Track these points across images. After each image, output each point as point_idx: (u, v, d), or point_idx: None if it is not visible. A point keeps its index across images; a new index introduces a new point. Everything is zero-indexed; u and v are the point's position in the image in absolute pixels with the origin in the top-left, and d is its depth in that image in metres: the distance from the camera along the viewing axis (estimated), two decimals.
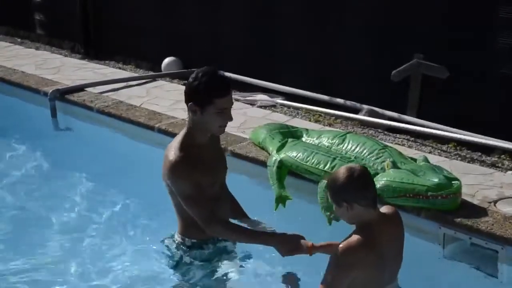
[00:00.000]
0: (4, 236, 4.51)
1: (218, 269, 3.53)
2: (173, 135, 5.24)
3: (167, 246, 3.54)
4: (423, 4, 5.48)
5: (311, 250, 3.34)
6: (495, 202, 4.07)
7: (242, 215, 3.72)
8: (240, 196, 4.66)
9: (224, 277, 3.54)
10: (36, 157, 5.79)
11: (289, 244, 3.37)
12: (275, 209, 4.40)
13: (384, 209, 3.17)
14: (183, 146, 3.31)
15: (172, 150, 3.32)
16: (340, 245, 3.01)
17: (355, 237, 3.01)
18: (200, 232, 3.39)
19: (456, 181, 3.99)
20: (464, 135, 5.18)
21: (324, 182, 4.18)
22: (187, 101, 3.31)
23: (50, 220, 4.75)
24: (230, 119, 3.35)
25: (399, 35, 5.66)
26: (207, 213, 3.30)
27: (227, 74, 6.83)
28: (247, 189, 4.76)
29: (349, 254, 2.98)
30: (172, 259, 3.51)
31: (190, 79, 3.30)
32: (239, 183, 4.81)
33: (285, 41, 6.48)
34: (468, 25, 5.23)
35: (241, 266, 3.64)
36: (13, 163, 5.72)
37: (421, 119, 5.53)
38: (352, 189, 3.01)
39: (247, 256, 3.70)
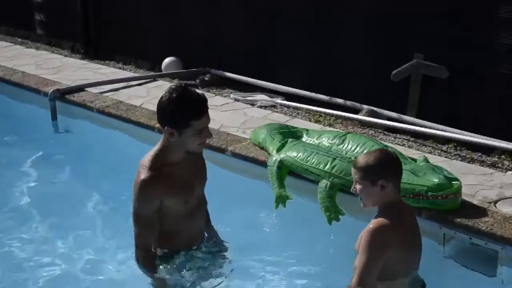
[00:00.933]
0: (4, 235, 4.50)
1: (190, 276, 3.52)
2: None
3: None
4: (423, 4, 5.47)
5: None
6: (495, 202, 4.08)
7: (207, 225, 3.72)
8: (240, 195, 4.68)
9: (197, 283, 3.54)
10: (36, 157, 5.79)
11: None
12: (275, 209, 4.40)
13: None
14: (154, 165, 3.21)
15: (142, 168, 3.23)
16: (370, 226, 3.07)
17: (383, 218, 3.09)
18: (171, 242, 3.41)
19: (456, 181, 3.99)
20: (464, 135, 5.18)
21: (324, 182, 4.19)
22: (161, 124, 3.18)
23: (50, 220, 4.75)
24: (210, 136, 3.26)
25: (399, 35, 5.66)
26: (142, 240, 3.31)
27: (227, 74, 6.86)
28: (247, 189, 4.76)
29: (382, 232, 3.05)
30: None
31: (164, 101, 3.13)
32: (239, 183, 4.83)
33: (285, 41, 6.48)
34: (468, 25, 5.23)
35: (215, 271, 3.65)
36: (13, 163, 5.72)
37: (421, 119, 5.53)
38: (392, 168, 3.15)
39: (222, 261, 3.71)
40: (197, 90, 3.25)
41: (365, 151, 4.36)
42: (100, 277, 3.99)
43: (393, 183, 3.14)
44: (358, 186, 3.17)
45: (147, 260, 3.38)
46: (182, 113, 3.11)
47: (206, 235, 3.69)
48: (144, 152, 5.00)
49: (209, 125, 5.29)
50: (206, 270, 3.57)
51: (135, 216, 3.30)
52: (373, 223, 3.09)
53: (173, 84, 3.29)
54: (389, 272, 3.13)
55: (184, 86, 3.19)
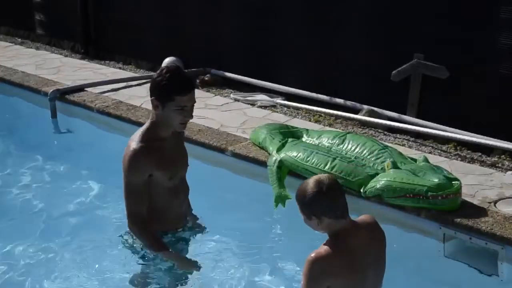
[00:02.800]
0: (4, 235, 4.50)
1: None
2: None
3: (126, 240, 3.61)
4: (423, 4, 5.48)
5: None
6: (495, 202, 4.08)
7: (189, 211, 3.83)
8: (240, 195, 4.69)
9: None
10: (36, 157, 5.79)
11: (185, 265, 3.53)
12: (275, 208, 4.40)
13: (361, 217, 3.08)
14: (144, 139, 3.40)
15: (133, 141, 3.41)
16: (310, 255, 2.93)
17: (324, 246, 2.94)
18: (159, 222, 3.50)
19: (456, 181, 3.99)
20: (464, 135, 5.18)
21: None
22: (150, 96, 3.38)
23: (50, 220, 4.75)
24: (190, 117, 3.41)
25: (399, 35, 5.66)
26: (135, 211, 3.41)
27: (227, 74, 6.86)
28: (247, 189, 4.77)
29: (319, 262, 2.90)
30: (135, 251, 3.58)
31: (155, 75, 3.39)
32: (239, 183, 4.84)
33: (285, 41, 6.48)
34: (468, 25, 5.23)
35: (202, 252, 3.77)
36: (13, 163, 5.72)
37: (421, 119, 5.53)
38: (320, 204, 2.93)
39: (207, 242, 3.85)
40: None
41: (365, 151, 4.37)
42: (105, 277, 3.99)
43: (327, 217, 2.93)
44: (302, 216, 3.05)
45: (143, 230, 3.46)
46: (167, 86, 3.31)
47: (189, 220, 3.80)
48: None
49: (209, 125, 5.33)
50: (193, 251, 3.69)
51: (125, 187, 3.42)
52: (314, 252, 2.94)
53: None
54: None
55: (177, 66, 3.43)
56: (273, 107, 6.17)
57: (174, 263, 3.51)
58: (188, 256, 3.61)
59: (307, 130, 4.94)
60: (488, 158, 5.05)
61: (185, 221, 3.73)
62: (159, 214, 3.51)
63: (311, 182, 2.99)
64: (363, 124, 5.73)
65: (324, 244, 2.97)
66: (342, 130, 5.45)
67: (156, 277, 3.57)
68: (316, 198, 2.93)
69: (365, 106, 5.85)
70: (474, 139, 5.10)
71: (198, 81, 6.93)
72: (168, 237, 3.58)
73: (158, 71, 3.39)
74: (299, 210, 3.02)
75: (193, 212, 3.83)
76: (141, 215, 3.44)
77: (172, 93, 3.30)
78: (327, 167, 4.24)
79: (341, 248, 2.95)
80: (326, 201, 2.94)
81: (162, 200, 3.50)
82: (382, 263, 3.07)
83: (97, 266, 4.06)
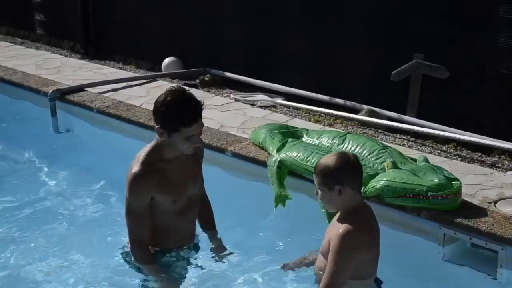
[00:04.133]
0: (3, 234, 4.50)
1: (179, 275, 3.56)
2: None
3: (125, 258, 3.59)
4: (423, 4, 5.48)
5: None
6: (495, 202, 4.07)
7: (211, 228, 3.80)
8: (240, 195, 4.68)
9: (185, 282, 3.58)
10: (36, 157, 5.79)
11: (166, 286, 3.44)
12: (275, 209, 4.40)
13: None
14: (148, 160, 3.29)
15: (136, 163, 3.31)
16: (340, 231, 3.08)
17: (351, 222, 3.11)
18: (160, 241, 3.46)
19: (456, 181, 3.99)
20: (464, 135, 5.18)
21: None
22: (155, 122, 3.27)
23: (50, 219, 4.75)
24: (198, 143, 3.33)
25: (399, 35, 5.66)
26: (135, 232, 3.37)
27: (227, 74, 6.86)
28: (247, 189, 4.77)
29: (352, 236, 3.07)
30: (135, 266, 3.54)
31: (159, 101, 3.21)
32: (239, 183, 4.84)
33: (285, 41, 6.48)
34: (468, 25, 5.23)
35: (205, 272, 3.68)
36: (13, 163, 5.72)
37: (421, 119, 5.53)
38: (348, 172, 3.11)
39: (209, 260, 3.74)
40: (196, 96, 3.29)
41: (365, 151, 4.37)
42: (105, 277, 3.99)
43: (351, 187, 3.13)
44: (318, 192, 3.19)
45: (143, 253, 3.42)
46: (172, 118, 3.17)
47: (209, 239, 3.75)
48: None
49: (209, 125, 5.32)
50: (196, 270, 3.63)
51: (126, 208, 3.37)
52: (342, 228, 3.10)
53: (174, 86, 3.32)
54: (360, 273, 3.18)
55: (182, 91, 3.25)
56: (273, 107, 6.17)
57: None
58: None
59: (307, 130, 4.93)
60: (488, 158, 5.05)
61: (192, 239, 3.65)
62: (162, 233, 3.44)
63: (335, 154, 3.20)
64: (363, 124, 5.73)
65: (348, 220, 3.14)
66: (342, 130, 5.45)
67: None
68: (343, 166, 3.10)
69: (365, 106, 5.85)
70: (474, 139, 5.10)
71: (198, 81, 6.93)
72: (172, 256, 3.53)
73: (161, 97, 3.20)
74: (319, 183, 3.14)
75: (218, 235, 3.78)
76: (142, 237, 3.38)
77: (178, 125, 3.17)
78: None
79: (365, 222, 3.17)
80: (352, 170, 3.14)
81: (165, 221, 3.42)
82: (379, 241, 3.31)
83: (95, 267, 4.05)
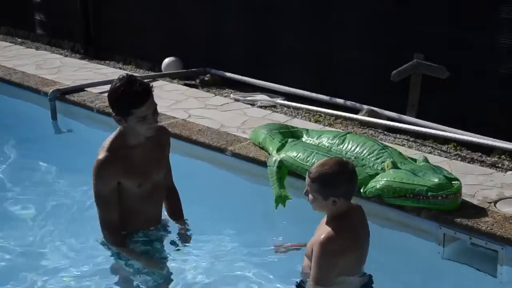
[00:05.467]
0: (3, 235, 4.50)
1: (154, 256, 3.67)
2: (172, 135, 5.25)
3: (103, 242, 3.68)
4: (423, 4, 5.48)
5: None
6: (495, 202, 4.07)
7: (178, 217, 3.89)
8: (240, 195, 4.68)
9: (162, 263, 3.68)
10: (36, 157, 5.79)
11: (152, 265, 3.60)
12: (275, 209, 4.40)
13: None
14: (112, 147, 3.45)
15: (101, 150, 3.48)
16: (321, 237, 3.07)
17: (333, 226, 3.10)
18: (128, 224, 3.57)
19: (456, 181, 3.99)
20: (464, 135, 5.18)
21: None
22: (112, 111, 3.44)
23: (50, 219, 4.75)
24: (155, 122, 3.44)
25: (399, 35, 5.67)
26: (106, 218, 3.51)
27: (227, 74, 6.86)
28: (247, 189, 4.76)
29: (334, 242, 3.06)
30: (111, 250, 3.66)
31: (109, 90, 3.43)
32: (239, 183, 4.83)
33: (285, 41, 6.48)
34: (468, 25, 5.23)
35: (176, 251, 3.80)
36: (13, 163, 5.72)
37: (421, 119, 5.53)
38: (345, 185, 3.09)
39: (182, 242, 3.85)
40: (144, 80, 3.50)
41: (365, 151, 4.37)
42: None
43: (345, 198, 3.13)
44: (310, 196, 3.17)
45: (114, 236, 3.55)
46: (123, 102, 3.36)
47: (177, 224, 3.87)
48: None
49: (209, 125, 5.32)
50: (167, 248, 3.75)
51: (94, 195, 3.52)
52: (324, 234, 3.09)
53: (121, 74, 3.53)
54: (343, 274, 3.17)
55: (127, 77, 3.43)
56: (273, 107, 6.17)
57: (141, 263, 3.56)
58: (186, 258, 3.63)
59: (307, 130, 4.93)
60: (488, 158, 5.05)
61: (158, 222, 3.78)
62: (128, 216, 3.56)
63: (333, 164, 3.12)
64: (363, 124, 5.73)
65: (332, 225, 3.12)
66: (342, 130, 5.44)
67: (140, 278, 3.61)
68: (343, 178, 3.08)
69: (365, 106, 5.85)
70: (474, 139, 5.10)
71: (198, 81, 6.93)
72: (139, 236, 3.65)
73: (112, 85, 3.41)
74: (315, 190, 3.12)
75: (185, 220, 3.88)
76: (112, 222, 3.51)
77: (129, 107, 3.34)
78: None
79: (348, 227, 3.14)
80: (350, 183, 3.12)
81: (131, 204, 3.55)
82: (368, 239, 3.30)
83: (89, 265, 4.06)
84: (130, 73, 3.52)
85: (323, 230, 3.13)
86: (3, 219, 4.74)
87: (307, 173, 3.19)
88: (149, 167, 3.56)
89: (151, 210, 3.68)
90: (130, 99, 3.33)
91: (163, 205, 3.85)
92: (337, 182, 3.06)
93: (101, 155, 3.45)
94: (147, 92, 3.38)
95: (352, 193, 3.18)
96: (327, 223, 3.17)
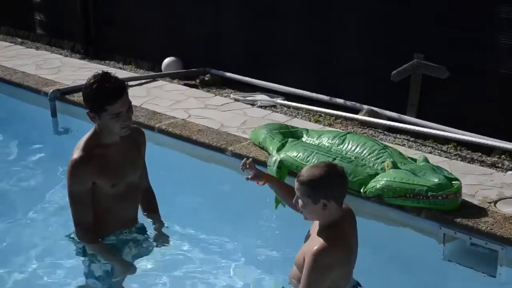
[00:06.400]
0: (3, 235, 4.50)
1: (125, 254, 3.64)
2: (173, 135, 5.26)
3: (72, 239, 3.67)
4: (423, 4, 5.48)
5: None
6: (495, 202, 4.08)
7: (153, 212, 3.87)
8: (240, 195, 4.68)
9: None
10: (36, 157, 5.79)
11: (125, 269, 3.56)
12: (275, 208, 4.40)
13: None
14: (86, 147, 3.44)
15: (76, 150, 3.46)
16: (314, 249, 2.98)
17: (326, 236, 3.02)
18: (102, 225, 3.54)
19: (456, 181, 3.99)
20: (464, 135, 5.18)
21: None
22: (86, 108, 3.43)
23: (50, 219, 4.75)
24: (129, 119, 3.44)
25: (399, 35, 5.67)
26: (80, 219, 3.48)
27: (227, 74, 6.86)
28: (247, 189, 4.76)
29: (325, 256, 2.98)
30: (79, 250, 3.64)
31: (84, 87, 3.39)
32: (239, 183, 4.83)
33: (285, 41, 6.48)
34: (468, 25, 5.23)
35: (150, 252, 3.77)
36: (13, 163, 5.72)
37: (421, 119, 5.53)
38: (334, 186, 3.02)
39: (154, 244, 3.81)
40: (118, 77, 3.44)
41: (365, 151, 4.37)
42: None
43: (336, 202, 3.03)
44: (299, 201, 3.07)
45: (88, 235, 3.52)
46: (97, 98, 3.35)
47: (152, 223, 3.84)
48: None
49: (209, 125, 5.32)
50: (138, 253, 3.71)
51: (68, 196, 3.50)
52: (316, 245, 3.00)
53: (97, 71, 3.51)
54: (334, 286, 3.09)
55: (102, 74, 3.40)
56: (273, 107, 6.17)
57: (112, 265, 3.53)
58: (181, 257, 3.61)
59: (307, 130, 4.94)
60: (488, 158, 5.05)
61: (133, 224, 3.74)
62: (102, 218, 3.53)
63: (322, 166, 3.06)
64: (363, 124, 5.73)
65: (324, 235, 3.04)
66: (342, 130, 5.45)
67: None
68: (333, 180, 3.01)
69: (365, 106, 5.85)
70: (474, 139, 5.10)
71: (198, 81, 6.93)
72: (111, 239, 3.62)
73: (86, 82, 3.38)
74: (304, 194, 3.03)
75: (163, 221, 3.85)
76: (87, 222, 3.49)
77: (103, 103, 3.33)
78: None
79: (340, 237, 3.06)
80: (339, 184, 3.04)
81: (105, 205, 3.52)
82: (357, 247, 3.24)
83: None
84: (102, 70, 3.51)
85: (315, 241, 3.04)
86: (3, 219, 4.74)
87: (295, 179, 3.10)
88: (124, 167, 3.55)
89: (125, 211, 3.65)
90: (103, 95, 3.32)
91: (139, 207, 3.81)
92: (326, 184, 2.99)
93: (76, 154, 3.43)
94: (121, 89, 3.38)
95: (343, 197, 3.09)
96: (319, 233, 3.08)
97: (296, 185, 3.08)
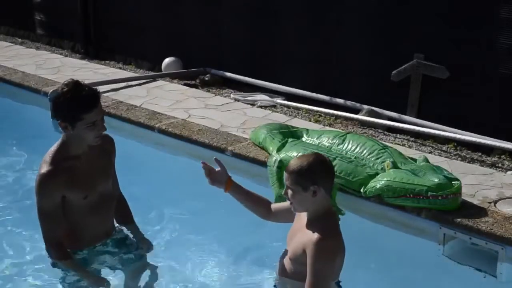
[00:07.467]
0: (3, 235, 4.50)
1: (97, 271, 3.55)
2: (173, 135, 5.27)
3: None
4: (423, 4, 5.48)
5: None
6: (495, 202, 4.08)
7: (129, 221, 3.76)
8: None
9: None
10: (36, 157, 5.77)
11: (97, 284, 3.42)
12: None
13: None
14: (54, 160, 3.33)
15: (43, 163, 3.34)
16: (317, 238, 2.99)
17: (324, 225, 3.05)
18: (74, 239, 3.45)
19: (456, 181, 3.99)
20: (464, 135, 5.18)
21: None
22: (56, 118, 3.32)
23: None
24: (103, 129, 3.35)
25: (399, 35, 5.67)
26: (49, 234, 3.37)
27: (228, 74, 6.86)
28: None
29: (331, 242, 3.02)
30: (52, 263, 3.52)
31: (56, 95, 3.30)
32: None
33: (285, 41, 6.48)
34: (468, 25, 5.23)
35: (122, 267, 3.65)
36: (13, 163, 5.72)
37: (421, 119, 5.53)
38: (323, 172, 3.07)
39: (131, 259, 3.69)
40: (91, 86, 3.40)
41: (365, 151, 4.37)
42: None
43: (324, 187, 3.05)
44: (289, 192, 3.09)
45: (58, 253, 3.41)
46: (72, 107, 3.25)
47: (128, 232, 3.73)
48: (144, 152, 4.99)
49: (209, 125, 5.33)
50: (112, 266, 3.61)
51: (38, 211, 3.38)
52: (318, 234, 3.00)
53: (66, 80, 3.44)
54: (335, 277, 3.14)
55: (74, 82, 3.35)
56: (273, 107, 6.17)
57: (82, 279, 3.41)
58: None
59: (307, 130, 4.94)
60: (488, 158, 5.05)
61: (108, 236, 3.62)
62: (74, 232, 3.44)
63: (309, 154, 3.16)
64: (363, 124, 5.73)
65: (322, 225, 3.06)
66: (342, 130, 5.45)
67: None
68: (320, 166, 3.06)
69: (365, 106, 5.85)
70: (474, 139, 5.10)
71: (198, 81, 6.93)
72: (84, 253, 3.51)
73: (58, 92, 3.30)
74: (293, 182, 3.06)
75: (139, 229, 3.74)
76: (57, 238, 3.38)
77: (80, 112, 3.23)
78: None
79: (337, 227, 3.13)
80: (327, 170, 3.10)
81: (77, 219, 3.42)
82: None
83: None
84: (72, 78, 3.42)
85: (313, 232, 3.03)
86: (3, 219, 4.74)
87: (284, 172, 3.13)
88: (95, 177, 3.43)
89: (99, 224, 3.53)
90: (80, 103, 3.23)
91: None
92: (314, 169, 3.02)
93: (44, 169, 3.30)
94: (96, 97, 3.30)
95: (331, 184, 3.11)
96: (313, 225, 3.07)
97: (285, 176, 3.10)
